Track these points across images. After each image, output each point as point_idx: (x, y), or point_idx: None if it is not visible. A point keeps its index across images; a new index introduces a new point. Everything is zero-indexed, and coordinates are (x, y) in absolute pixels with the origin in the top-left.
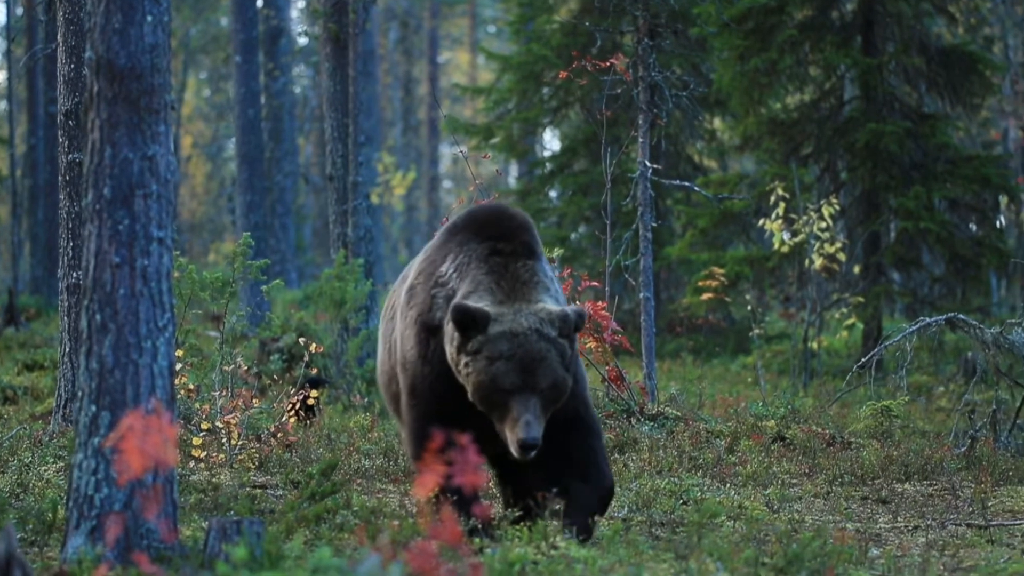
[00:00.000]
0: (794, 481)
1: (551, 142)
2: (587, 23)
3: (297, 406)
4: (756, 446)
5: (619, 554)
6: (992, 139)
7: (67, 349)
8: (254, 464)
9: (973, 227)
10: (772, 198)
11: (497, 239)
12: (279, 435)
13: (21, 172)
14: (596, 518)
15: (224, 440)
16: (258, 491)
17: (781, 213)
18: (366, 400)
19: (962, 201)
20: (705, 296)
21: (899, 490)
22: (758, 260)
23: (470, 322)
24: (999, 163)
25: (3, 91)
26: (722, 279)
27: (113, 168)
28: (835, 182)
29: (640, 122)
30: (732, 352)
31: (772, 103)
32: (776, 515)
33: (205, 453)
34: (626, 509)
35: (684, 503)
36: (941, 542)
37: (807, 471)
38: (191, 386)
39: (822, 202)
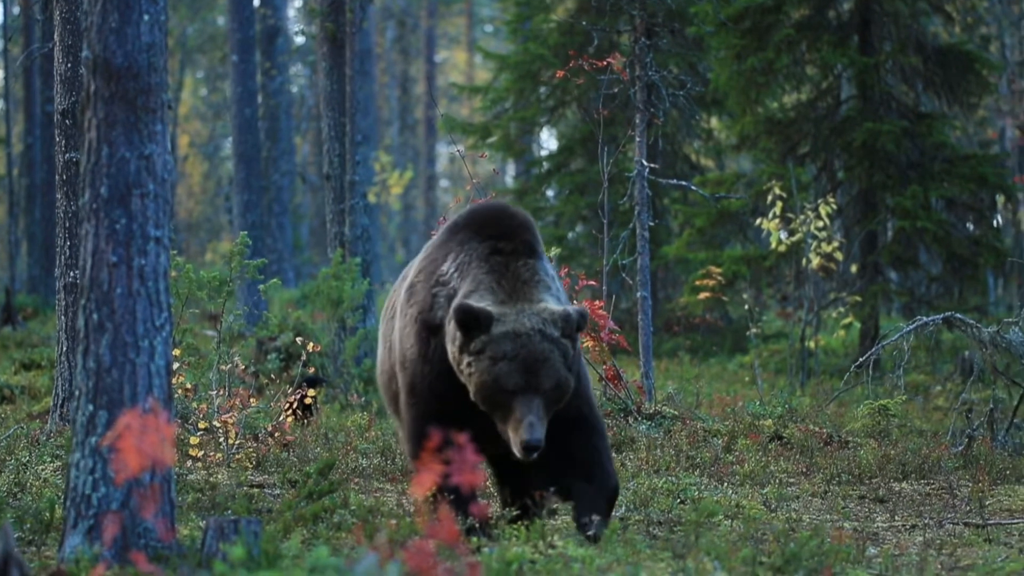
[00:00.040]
0: (791, 480)
1: (548, 141)
2: (584, 22)
3: (294, 405)
4: (753, 445)
5: (617, 553)
6: (989, 138)
7: (64, 348)
8: (251, 463)
9: (970, 226)
10: (769, 197)
11: (498, 238)
12: (276, 434)
13: (18, 171)
14: (604, 519)
15: (221, 439)
16: (255, 490)
17: (778, 212)
18: (363, 399)
19: (959, 200)
20: (702, 295)
21: (896, 489)
22: (755, 259)
23: (473, 322)
24: (996, 162)
25: (0, 90)
26: (719, 278)
27: (110, 167)
28: (832, 181)
29: (637, 121)
30: (729, 351)
31: (769, 102)
32: (774, 514)
33: (202, 452)
34: (623, 508)
35: (681, 502)
36: (939, 541)
37: (804, 470)
38: (188, 385)
39: (819, 201)
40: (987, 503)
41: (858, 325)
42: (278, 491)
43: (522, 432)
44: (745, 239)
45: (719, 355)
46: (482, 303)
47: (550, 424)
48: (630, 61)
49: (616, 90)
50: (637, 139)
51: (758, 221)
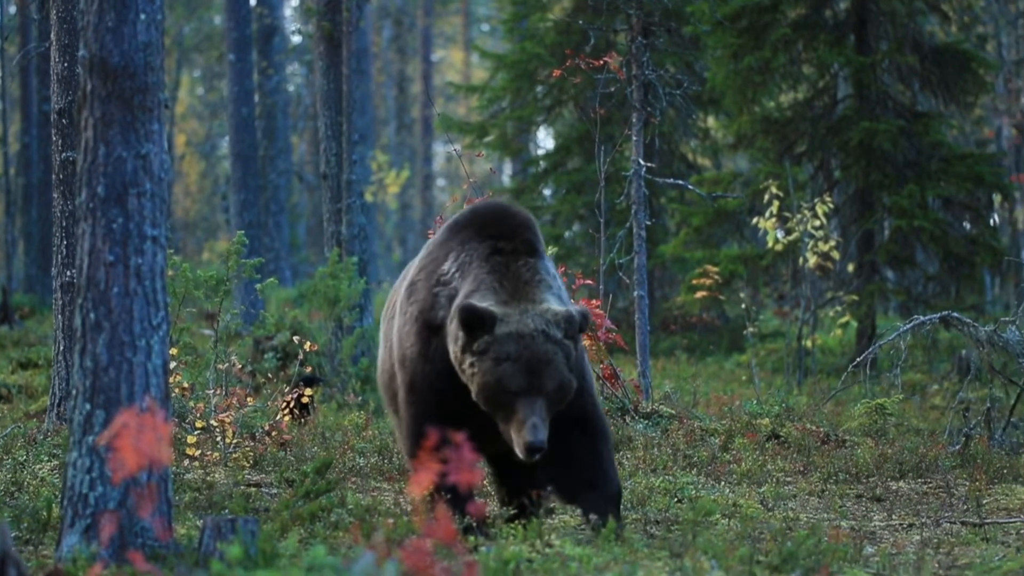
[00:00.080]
0: (788, 479)
1: (545, 140)
2: (581, 21)
3: (291, 404)
4: (750, 444)
5: (614, 552)
6: (986, 137)
7: (61, 347)
8: (248, 462)
9: (967, 225)
10: (766, 196)
11: (498, 238)
12: (273, 433)
13: (15, 171)
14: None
15: (218, 438)
16: (253, 489)
17: (775, 211)
18: (360, 398)
19: (956, 199)
20: (699, 294)
21: (894, 488)
22: (752, 258)
23: (477, 322)
24: (993, 161)
25: None
26: (716, 277)
27: (107, 167)
28: (829, 180)
29: (634, 120)
30: (726, 350)
31: (766, 101)
32: (771, 513)
33: (199, 451)
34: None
35: (679, 501)
36: (936, 540)
37: (802, 469)
38: (185, 384)
39: (816, 200)
40: (984, 502)
41: (855, 324)
42: (275, 490)
43: (525, 434)
44: (742, 238)
45: (716, 354)
46: (484, 303)
47: (553, 423)
48: (627, 60)
49: (613, 89)
50: (634, 138)
51: (755, 220)
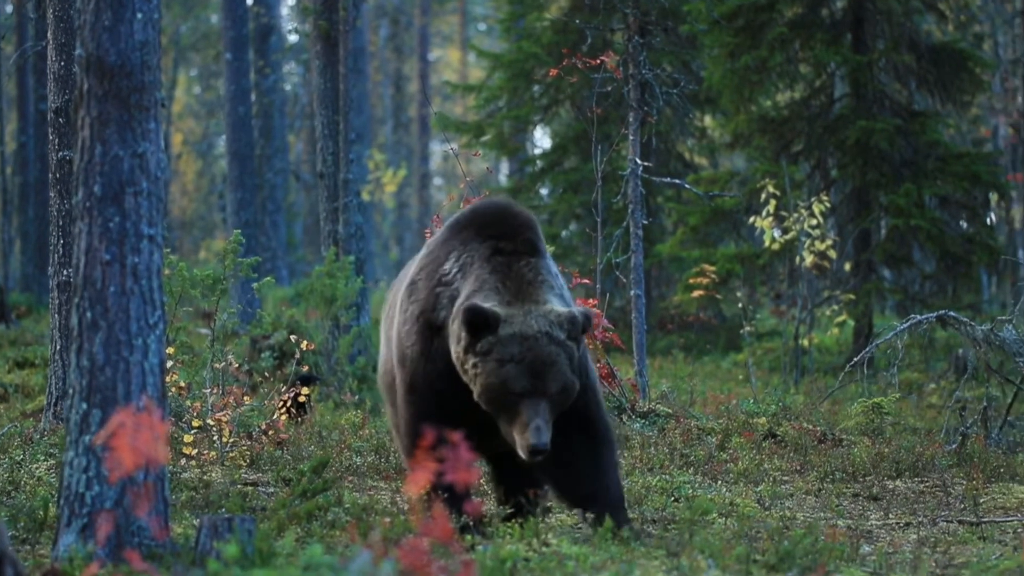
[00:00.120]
0: (785, 478)
1: (542, 140)
2: (577, 21)
3: (288, 403)
4: (747, 443)
5: (610, 551)
6: (982, 136)
7: (58, 347)
8: (245, 461)
9: (963, 224)
10: (763, 195)
11: (499, 238)
12: (270, 432)
13: (11, 170)
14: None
15: (215, 438)
16: (249, 488)
17: (772, 210)
18: (357, 397)
19: (952, 198)
20: (696, 293)
21: (890, 487)
22: (749, 257)
23: (481, 323)
24: (989, 160)
25: None
26: (713, 276)
27: (103, 166)
28: (825, 179)
29: (631, 119)
30: (723, 349)
31: (762, 100)
32: (767, 512)
33: (196, 451)
34: None
35: (675, 500)
36: (932, 539)
37: (798, 468)
38: (182, 383)
39: (813, 199)
40: (981, 501)
41: (852, 323)
42: (272, 489)
43: (528, 436)
44: (739, 237)
45: (713, 353)
46: (487, 304)
47: (556, 424)
48: (623, 59)
49: (610, 88)
50: (631, 137)
51: (752, 219)
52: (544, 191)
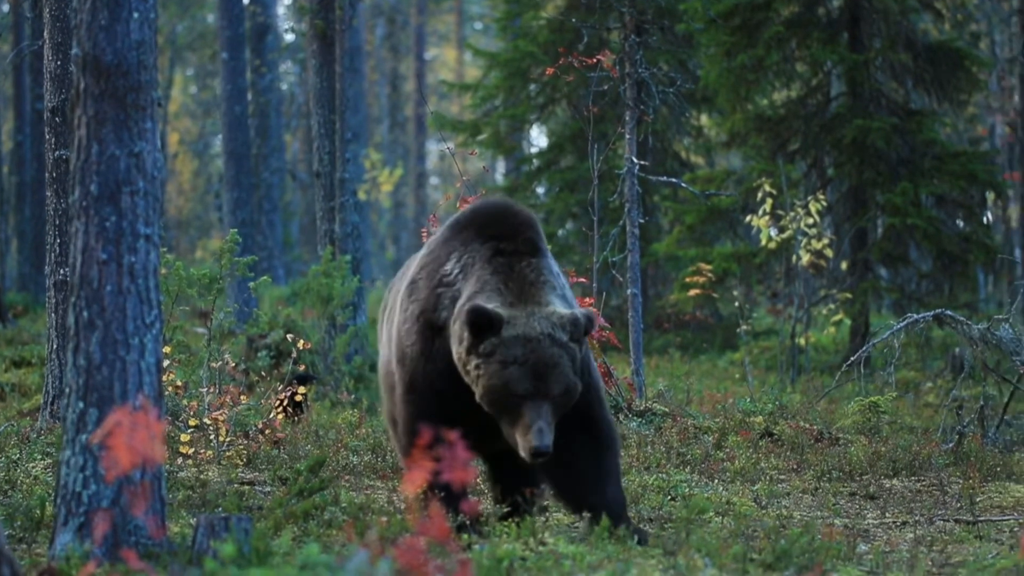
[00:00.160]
0: (782, 477)
1: (538, 138)
2: (574, 19)
3: (285, 402)
4: (744, 442)
5: (607, 550)
6: (979, 135)
7: (55, 346)
8: (242, 461)
9: (960, 223)
10: (759, 194)
11: (500, 239)
12: (267, 431)
13: (8, 169)
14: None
15: (212, 437)
16: (246, 488)
17: (768, 209)
18: (354, 396)
19: (949, 197)
20: (692, 292)
21: (887, 486)
22: (745, 256)
23: (485, 324)
24: (986, 159)
25: None
26: (709, 275)
27: (100, 165)
28: (822, 178)
29: (627, 118)
30: (720, 348)
31: (759, 99)
32: (764, 511)
33: (193, 450)
34: None
35: (672, 499)
36: (929, 538)
37: (795, 467)
38: (179, 383)
39: (809, 198)
40: (977, 500)
41: (848, 322)
42: (269, 488)
43: (531, 438)
44: (735, 236)
45: (709, 352)
46: (489, 305)
47: (559, 425)
48: (620, 58)
49: (606, 87)
50: (627, 136)
51: (748, 218)
52: (540, 190)
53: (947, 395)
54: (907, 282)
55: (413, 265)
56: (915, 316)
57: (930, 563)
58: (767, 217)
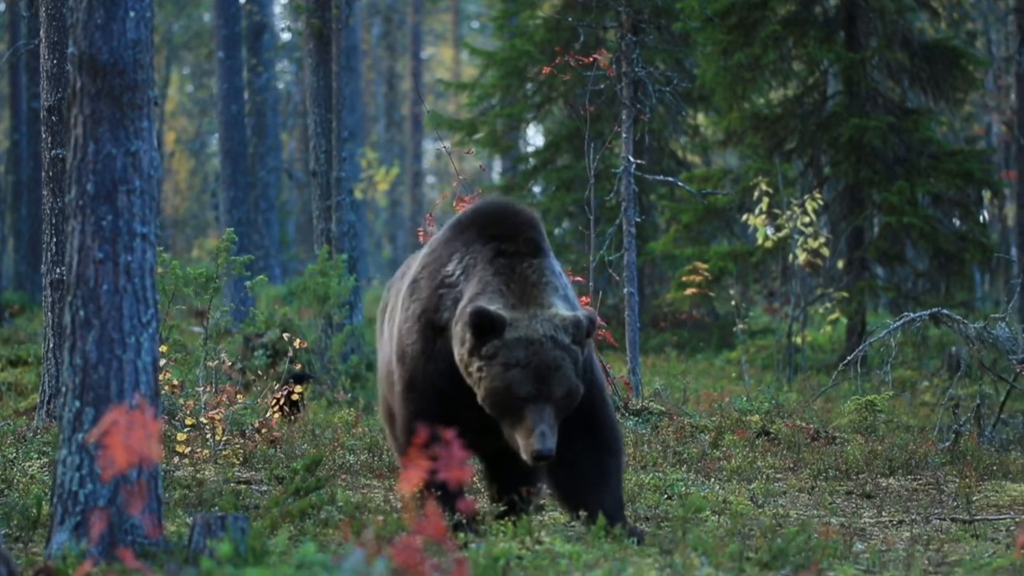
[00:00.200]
0: (778, 476)
1: (534, 137)
2: (570, 19)
3: (281, 402)
4: (740, 441)
5: (603, 549)
6: (975, 134)
7: (51, 345)
8: (238, 460)
9: (956, 222)
10: (756, 193)
11: (501, 239)
12: (263, 431)
13: (4, 168)
14: (623, 525)
15: (208, 436)
16: (242, 487)
17: (764, 208)
18: (350, 395)
19: (945, 196)
20: (689, 291)
21: (883, 485)
22: (742, 255)
23: (487, 326)
24: (982, 158)
25: None
26: (706, 274)
27: (96, 164)
28: (818, 177)
29: (623, 117)
30: (716, 347)
31: (755, 98)
32: (761, 510)
33: (189, 449)
34: None
35: (668, 498)
36: (926, 536)
37: (791, 466)
38: (175, 382)
39: (805, 197)
40: (974, 499)
41: (845, 321)
42: (265, 487)
43: (533, 441)
44: (732, 235)
45: (706, 351)
46: (492, 306)
47: (562, 426)
48: (616, 57)
49: (602, 86)
50: (623, 135)
51: (745, 217)
52: (537, 189)
53: (943, 394)
54: (903, 281)
55: (414, 264)
56: (911, 315)
57: (926, 562)
58: (763, 216)
